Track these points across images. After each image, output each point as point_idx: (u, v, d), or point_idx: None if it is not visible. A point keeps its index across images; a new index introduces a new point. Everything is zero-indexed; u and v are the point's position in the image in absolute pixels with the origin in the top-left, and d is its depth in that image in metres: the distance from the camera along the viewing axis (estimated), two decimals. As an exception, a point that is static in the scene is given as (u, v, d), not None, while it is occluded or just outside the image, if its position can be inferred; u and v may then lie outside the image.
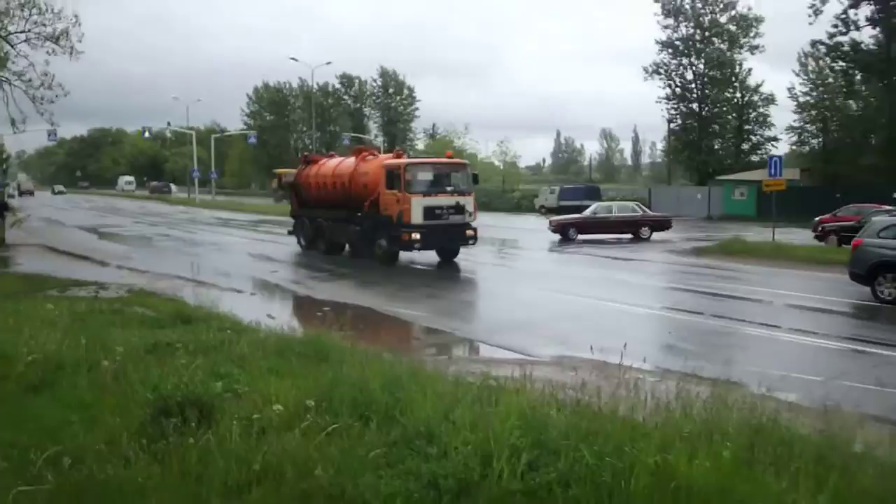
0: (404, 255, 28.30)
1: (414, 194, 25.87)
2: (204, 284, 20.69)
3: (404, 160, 28.04)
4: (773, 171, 35.92)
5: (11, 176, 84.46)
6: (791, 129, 74.62)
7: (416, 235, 25.64)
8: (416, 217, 25.75)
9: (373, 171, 27.98)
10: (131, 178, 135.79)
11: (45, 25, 39.79)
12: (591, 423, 7.18)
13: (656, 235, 40.20)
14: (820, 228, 36.85)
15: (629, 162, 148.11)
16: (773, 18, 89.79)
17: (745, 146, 75.86)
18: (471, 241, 27.50)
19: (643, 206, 44.99)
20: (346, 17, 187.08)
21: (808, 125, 73.52)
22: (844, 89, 66.91)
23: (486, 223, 37.94)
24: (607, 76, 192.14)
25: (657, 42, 76.38)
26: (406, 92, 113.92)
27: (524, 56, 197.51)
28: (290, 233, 34.61)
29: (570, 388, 8.52)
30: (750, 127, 76.39)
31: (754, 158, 70.99)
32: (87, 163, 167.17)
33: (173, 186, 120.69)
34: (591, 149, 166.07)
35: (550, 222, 41.22)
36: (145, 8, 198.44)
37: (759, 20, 73.97)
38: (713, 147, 76.27)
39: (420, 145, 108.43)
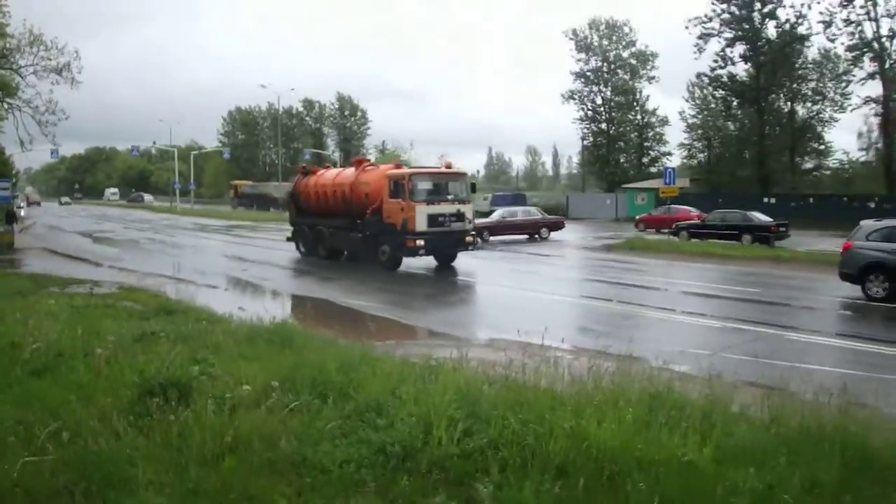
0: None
1: (418, 203, 23.83)
2: (184, 282, 20.35)
3: (409, 170, 25.83)
4: (667, 180, 36.62)
5: (20, 189, 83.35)
6: (682, 145, 76.41)
7: (421, 242, 23.68)
8: (421, 224, 23.71)
9: (374, 181, 25.58)
10: (115, 190, 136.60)
11: (49, 60, 40.41)
12: (517, 395, 7.27)
13: (554, 234, 40.48)
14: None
15: (550, 173, 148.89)
16: (666, 54, 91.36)
17: (645, 159, 76.85)
18: (470, 247, 25.75)
19: (542, 211, 45.29)
20: (309, 49, 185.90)
21: (695, 142, 74.97)
22: (724, 113, 68.17)
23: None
24: (532, 100, 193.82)
25: (572, 73, 77.17)
26: (359, 114, 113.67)
27: (462, 83, 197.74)
28: (288, 239, 31.42)
29: (500, 366, 8.55)
30: (649, 143, 77.44)
31: (653, 169, 71.92)
32: (85, 177, 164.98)
33: (147, 196, 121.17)
34: (518, 162, 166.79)
35: None
36: (135, 43, 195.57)
37: (654, 55, 75.25)
38: (619, 160, 77.16)
39: (372, 159, 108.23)
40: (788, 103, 63.28)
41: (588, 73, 76.28)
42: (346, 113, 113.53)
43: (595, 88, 76.76)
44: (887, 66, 53.69)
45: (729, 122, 68.78)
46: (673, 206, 41.84)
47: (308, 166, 34.65)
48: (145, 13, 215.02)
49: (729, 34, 61.00)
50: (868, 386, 8.58)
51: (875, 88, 54.86)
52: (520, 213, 42.47)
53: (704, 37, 61.49)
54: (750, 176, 61.84)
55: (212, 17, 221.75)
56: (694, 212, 42.83)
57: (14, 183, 51.13)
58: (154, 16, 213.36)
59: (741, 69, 62.48)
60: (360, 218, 25.55)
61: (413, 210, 23.60)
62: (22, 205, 70.10)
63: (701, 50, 62.02)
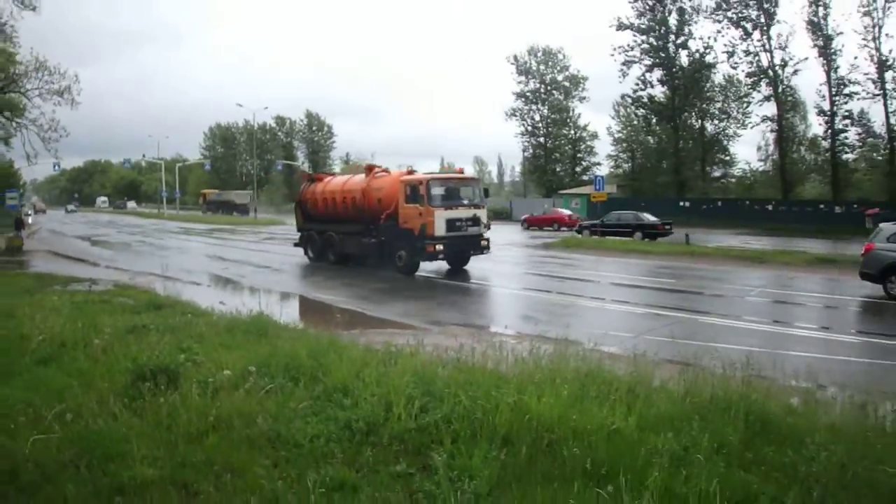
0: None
1: (437, 208, 21.60)
2: (171, 279, 19.96)
3: (426, 175, 23.20)
4: (597, 186, 36.90)
5: (27, 199, 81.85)
6: (609, 156, 77.26)
7: (440, 246, 21.54)
8: (439, 229, 21.50)
9: (388, 187, 23.19)
10: (105, 198, 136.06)
11: (52, 83, 40.27)
12: (467, 375, 7.26)
13: (497, 234, 40.38)
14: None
15: (495, 181, 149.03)
16: (595, 77, 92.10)
17: (578, 169, 77.30)
18: (486, 251, 23.26)
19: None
20: (281, 71, 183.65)
21: (621, 154, 75.87)
22: (645, 129, 69.03)
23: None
24: (479, 115, 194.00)
25: (513, 93, 77.49)
26: (326, 128, 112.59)
27: (417, 100, 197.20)
28: (296, 245, 28.37)
29: (453, 350, 8.52)
30: (581, 155, 77.98)
31: (585, 177, 72.43)
32: (83, 187, 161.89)
33: (130, 203, 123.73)
34: (468, 171, 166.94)
35: None
36: (128, 66, 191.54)
37: (584, 79, 75.79)
38: (556, 169, 77.58)
39: (336, 169, 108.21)
40: (699, 121, 64.29)
41: (527, 94, 76.66)
42: (314, 128, 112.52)
43: (534, 107, 77.17)
44: (780, 90, 54.99)
45: (649, 137, 69.62)
46: (551, 208, 45.46)
47: (313, 173, 31.67)
48: (136, 40, 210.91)
49: (648, 61, 61.94)
50: (767, 360, 8.72)
51: (771, 109, 56.38)
52: None
53: (627, 63, 62.35)
54: (668, 183, 62.67)
55: (195, 42, 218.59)
56: (566, 213, 46.92)
57: (21, 193, 50.45)
58: (144, 42, 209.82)
59: (659, 91, 63.58)
60: (373, 223, 23.31)
61: (432, 215, 21.47)
62: (30, 212, 68.93)
63: (625, 74, 62.99)
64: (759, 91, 56.85)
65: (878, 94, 48.96)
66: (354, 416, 6.20)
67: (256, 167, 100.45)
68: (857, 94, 50.24)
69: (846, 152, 52.85)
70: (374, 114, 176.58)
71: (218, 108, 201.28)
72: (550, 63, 76.14)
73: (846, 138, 52.15)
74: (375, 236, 23.24)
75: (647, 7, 60.69)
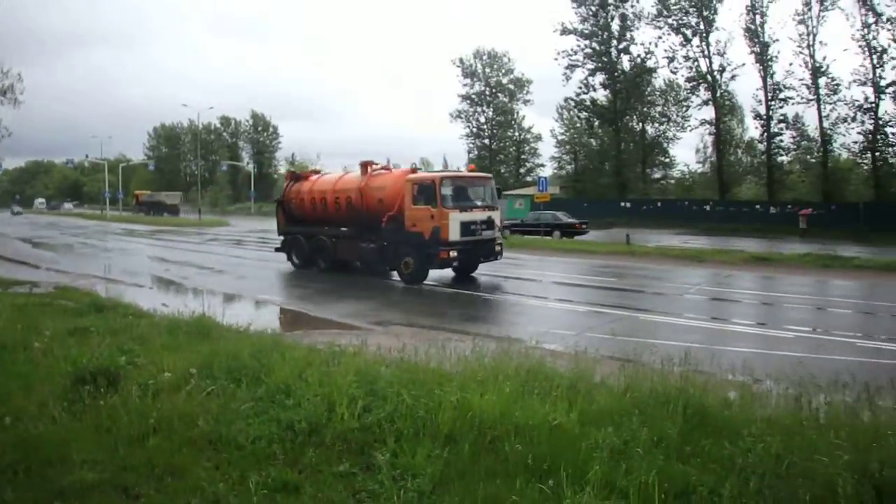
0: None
1: (451, 210, 19.38)
2: (113, 281, 19.47)
3: (438, 174, 21.29)
4: (541, 187, 37.37)
5: None
6: (553, 158, 78.14)
7: (454, 253, 19.36)
8: (454, 234, 19.28)
9: (391, 186, 20.91)
10: (43, 200, 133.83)
11: None
12: (410, 374, 7.23)
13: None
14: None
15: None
16: (539, 81, 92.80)
17: (522, 170, 77.86)
18: (499, 256, 21.42)
19: None
20: (228, 70, 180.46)
21: (564, 156, 76.82)
22: (587, 131, 69.96)
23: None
24: (425, 118, 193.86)
25: (459, 95, 77.70)
26: (271, 129, 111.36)
27: (364, 102, 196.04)
28: (278, 250, 25.45)
29: (396, 350, 8.48)
30: (525, 157, 78.67)
31: (529, 179, 73.00)
32: (25, 188, 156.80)
33: (67, 204, 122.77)
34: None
35: None
36: (72, 66, 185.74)
37: (529, 82, 76.48)
38: (500, 171, 77.99)
39: (281, 169, 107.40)
40: (640, 124, 65.57)
41: (473, 96, 77.01)
42: (260, 128, 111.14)
43: (479, 109, 77.56)
44: (718, 94, 56.43)
45: (591, 139, 70.64)
46: None
47: (296, 171, 28.01)
48: (81, 41, 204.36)
49: (591, 66, 62.86)
50: (706, 356, 8.89)
51: (709, 113, 57.83)
52: None
53: (571, 67, 63.14)
54: (609, 184, 63.68)
55: (140, 43, 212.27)
56: None
57: None
58: (88, 42, 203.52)
59: (601, 95, 64.53)
60: (373, 226, 21.02)
61: (446, 218, 19.20)
62: None
63: (568, 78, 63.77)
64: (697, 95, 58.33)
65: (811, 100, 50.80)
66: (297, 417, 6.11)
67: (201, 168, 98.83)
68: (791, 99, 52.04)
69: (781, 155, 54.60)
70: (319, 115, 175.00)
71: (163, 108, 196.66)
72: (495, 66, 76.69)
73: (781, 141, 53.93)
74: (375, 241, 21.04)
75: (591, 13, 61.67)
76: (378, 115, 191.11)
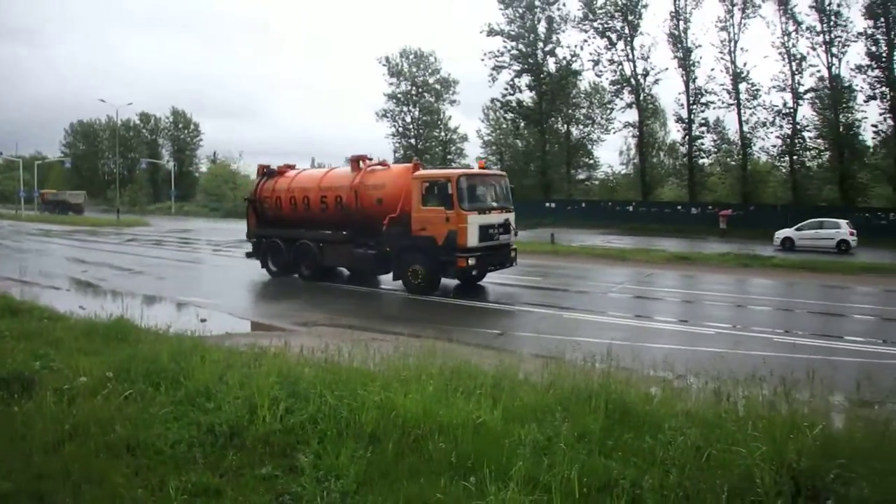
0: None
1: (470, 212, 17.26)
2: (29, 284, 18.54)
3: (455, 170, 19.10)
4: (467, 188, 37.33)
5: None
6: (479, 158, 78.38)
7: (472, 260, 17.30)
8: (472, 239, 17.23)
9: (392, 184, 18.76)
10: None
11: None
12: (333, 374, 7.20)
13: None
14: None
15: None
16: (466, 81, 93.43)
17: (449, 171, 77.91)
18: (514, 263, 19.56)
19: None
20: (148, 66, 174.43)
21: (490, 156, 77.31)
22: (513, 132, 70.68)
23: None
24: (351, 117, 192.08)
25: (385, 94, 77.35)
26: (192, 126, 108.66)
27: (287, 101, 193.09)
28: (249, 256, 22.80)
29: (320, 350, 8.42)
30: (451, 157, 78.72)
31: (455, 180, 73.13)
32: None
33: None
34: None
35: None
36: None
37: (455, 82, 76.58)
38: (426, 172, 77.96)
39: (203, 168, 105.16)
40: (565, 125, 66.63)
41: (399, 96, 76.83)
42: (180, 125, 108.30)
43: (405, 109, 77.38)
44: (642, 97, 57.92)
45: (517, 140, 71.41)
46: None
47: (270, 166, 23.51)
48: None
49: (517, 67, 63.42)
50: (628, 352, 9.10)
51: (632, 116, 59.07)
52: None
53: (497, 68, 63.58)
54: (534, 185, 64.42)
55: (57, 36, 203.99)
56: None
57: None
58: (2, 35, 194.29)
59: (527, 96, 65.15)
60: (369, 229, 18.89)
61: (464, 221, 17.10)
62: None
63: (494, 79, 64.14)
64: (621, 98, 59.60)
65: (732, 104, 52.62)
66: (217, 420, 6.04)
67: (119, 165, 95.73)
68: (713, 103, 53.73)
69: (702, 157, 56.32)
70: (242, 112, 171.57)
71: (82, 105, 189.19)
72: (422, 65, 76.64)
73: (702, 144, 55.63)
74: (375, 246, 18.82)
75: (518, 15, 62.30)
76: (301, 113, 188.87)
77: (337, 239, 19.85)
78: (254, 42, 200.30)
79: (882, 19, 45.17)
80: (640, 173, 60.29)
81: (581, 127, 66.59)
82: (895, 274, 23.48)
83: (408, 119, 77.81)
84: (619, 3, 56.48)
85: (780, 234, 35.15)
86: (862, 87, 46.98)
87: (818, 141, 50.38)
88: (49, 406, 6.25)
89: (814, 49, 48.46)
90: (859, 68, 46.58)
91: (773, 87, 50.49)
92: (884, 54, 45.42)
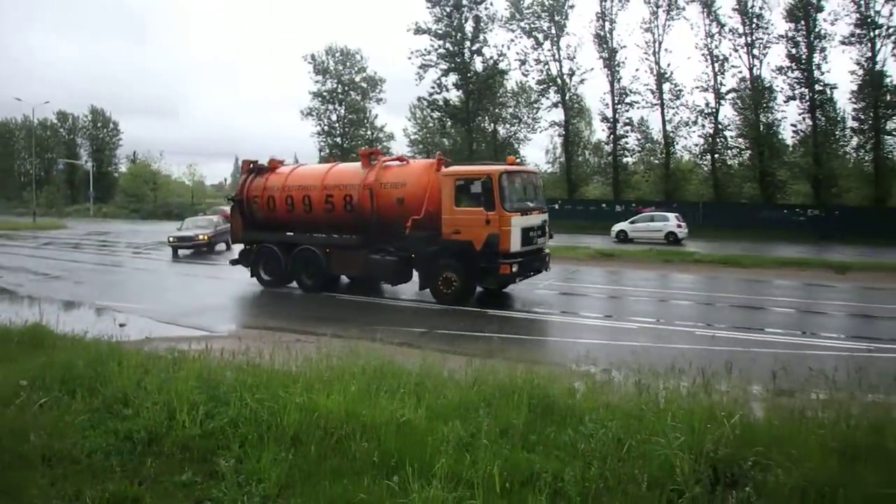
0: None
1: (513, 213, 15.68)
2: (-63, 291, 17.77)
3: (496, 167, 16.62)
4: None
5: None
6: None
7: (516, 267, 15.76)
8: (516, 243, 15.67)
9: (414, 182, 16.93)
10: None
11: None
12: (254, 377, 7.15)
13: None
14: None
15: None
16: (392, 80, 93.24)
17: (375, 170, 77.60)
18: (548, 268, 17.97)
19: None
20: (67, 64, 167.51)
21: (417, 155, 77.43)
22: (440, 131, 70.98)
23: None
24: (275, 116, 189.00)
25: (310, 92, 76.56)
26: (112, 125, 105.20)
27: (210, 99, 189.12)
28: (235, 263, 20.51)
29: (241, 353, 8.32)
30: (377, 156, 78.66)
31: (382, 179, 72.88)
32: None
33: None
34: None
35: None
36: None
37: (382, 80, 76.40)
38: (353, 171, 77.51)
39: (122, 168, 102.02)
40: (492, 124, 67.19)
41: (324, 94, 76.17)
42: (99, 125, 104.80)
43: (331, 107, 76.76)
44: (567, 97, 59.06)
45: (444, 139, 71.67)
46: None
47: (257, 162, 20.79)
48: None
49: (444, 66, 63.71)
50: (553, 348, 9.30)
51: (559, 115, 60.24)
52: None
53: (424, 67, 63.75)
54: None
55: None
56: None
57: None
58: None
59: (454, 95, 65.50)
60: (387, 232, 17.08)
61: (508, 223, 15.51)
62: None
63: (421, 78, 64.32)
64: (548, 98, 60.61)
65: (656, 104, 54.27)
66: (135, 427, 5.96)
67: (36, 166, 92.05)
68: (637, 103, 55.27)
69: (626, 156, 57.81)
70: (163, 111, 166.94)
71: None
72: (348, 63, 76.16)
73: (627, 143, 57.10)
74: (396, 252, 17.12)
75: (445, 13, 62.57)
76: (225, 112, 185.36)
77: (348, 244, 17.91)
78: (177, 41, 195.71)
79: (802, 22, 47.21)
80: (565, 172, 61.43)
81: (508, 126, 67.24)
82: (810, 266, 24.45)
83: (333, 117, 77.18)
84: (546, 3, 57.51)
85: (616, 227, 38.69)
86: (782, 88, 49.15)
87: (739, 140, 52.30)
88: (-41, 417, 6.03)
89: (736, 51, 50.43)
90: (780, 70, 48.70)
91: (696, 87, 52.29)
92: (803, 56, 47.50)
